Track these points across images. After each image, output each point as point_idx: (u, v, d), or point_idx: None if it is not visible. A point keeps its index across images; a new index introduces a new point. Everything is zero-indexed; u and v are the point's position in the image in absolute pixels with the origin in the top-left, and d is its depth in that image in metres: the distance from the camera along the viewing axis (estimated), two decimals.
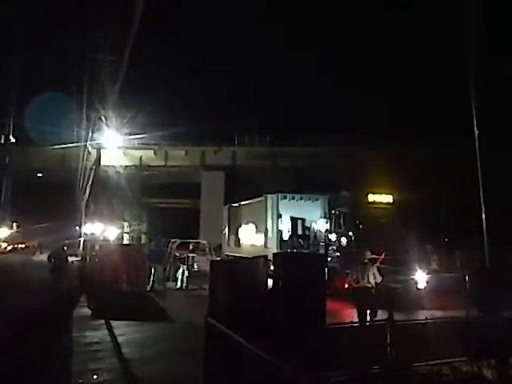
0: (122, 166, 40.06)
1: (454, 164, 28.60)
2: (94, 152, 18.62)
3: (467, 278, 9.59)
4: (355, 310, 9.27)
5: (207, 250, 19.99)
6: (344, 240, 13.88)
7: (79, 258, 17.88)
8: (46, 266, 13.08)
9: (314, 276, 6.37)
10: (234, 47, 78.56)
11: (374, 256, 8.98)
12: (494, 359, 6.39)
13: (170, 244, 17.86)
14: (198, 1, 63.93)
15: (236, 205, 21.46)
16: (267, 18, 66.92)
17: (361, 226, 13.58)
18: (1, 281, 15.19)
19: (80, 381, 6.18)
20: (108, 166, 32.09)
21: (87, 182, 20.63)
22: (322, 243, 15.37)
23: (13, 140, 44.09)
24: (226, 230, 22.05)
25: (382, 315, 8.88)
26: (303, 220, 16.57)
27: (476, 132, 10.95)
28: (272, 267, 6.48)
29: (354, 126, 48.67)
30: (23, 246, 38.46)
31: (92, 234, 20.18)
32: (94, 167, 18.05)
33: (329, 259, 14.18)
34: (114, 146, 21.99)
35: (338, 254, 14.12)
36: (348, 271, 12.68)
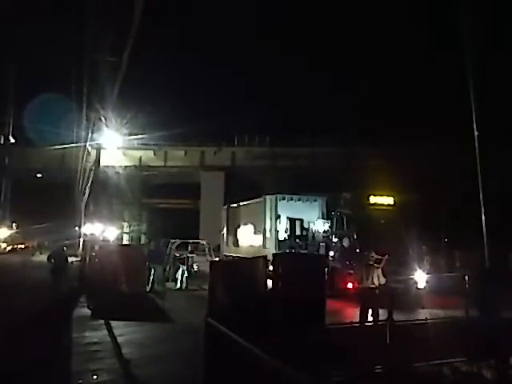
0: (121, 166, 40.10)
1: (453, 164, 28.64)
2: (93, 152, 18.61)
3: (467, 277, 9.62)
4: (359, 310, 9.31)
5: (207, 250, 20.00)
6: (346, 241, 13.98)
7: (79, 259, 17.86)
8: (45, 267, 13.09)
9: (313, 276, 6.37)
10: (233, 47, 78.62)
11: (378, 257, 9.06)
12: (493, 359, 6.39)
13: (170, 244, 17.86)
14: (198, 1, 63.98)
15: (235, 205, 21.54)
16: (266, 18, 67.03)
17: (363, 228, 13.67)
18: (0, 281, 15.18)
19: (80, 381, 6.17)
20: (108, 166, 32.09)
21: (87, 183, 20.63)
22: (322, 243, 15.47)
23: (12, 140, 44.11)
24: (225, 230, 22.13)
25: (383, 315, 8.94)
26: (301, 221, 16.73)
27: (476, 133, 10.96)
28: (271, 267, 6.49)
29: (354, 126, 48.67)
30: (23, 246, 38.46)
31: (92, 234, 20.16)
32: (93, 167, 18.03)
33: (330, 259, 14.30)
34: (114, 146, 22.02)
35: (340, 254, 14.21)
36: (351, 271, 12.79)
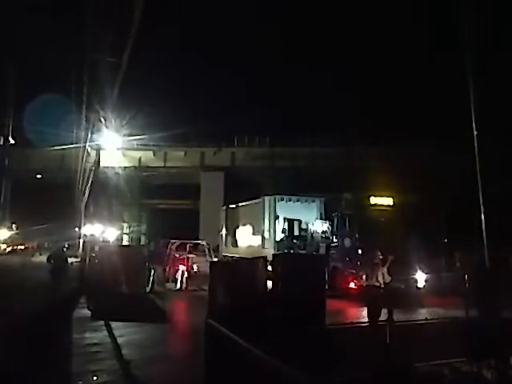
0: (121, 167, 40.06)
1: (453, 164, 28.65)
2: (93, 153, 18.60)
3: (466, 277, 9.64)
4: (365, 309, 9.38)
5: (207, 250, 19.99)
6: (348, 241, 14.06)
7: (79, 260, 17.84)
8: (45, 268, 13.09)
9: (313, 277, 6.38)
10: (233, 48, 78.68)
11: (383, 257, 9.21)
12: (493, 359, 6.39)
13: (170, 245, 17.86)
14: (199, 1, 63.99)
15: (233, 206, 21.67)
16: (266, 19, 67.05)
17: (365, 228, 13.75)
18: (0, 282, 15.17)
19: (80, 382, 6.17)
20: (107, 167, 32.06)
21: (86, 183, 20.61)
22: (322, 244, 15.55)
23: (12, 141, 44.10)
24: (224, 231, 22.21)
25: (384, 314, 8.98)
26: (300, 221, 16.86)
27: (475, 133, 10.96)
28: (269, 268, 6.50)
29: (354, 126, 48.69)
30: (22, 247, 38.42)
31: (91, 235, 20.16)
32: (93, 168, 18.03)
33: (331, 259, 14.38)
34: (114, 147, 21.99)
35: (342, 254, 14.28)
36: (353, 271, 12.88)
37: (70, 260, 14.20)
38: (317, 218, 16.80)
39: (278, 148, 43.25)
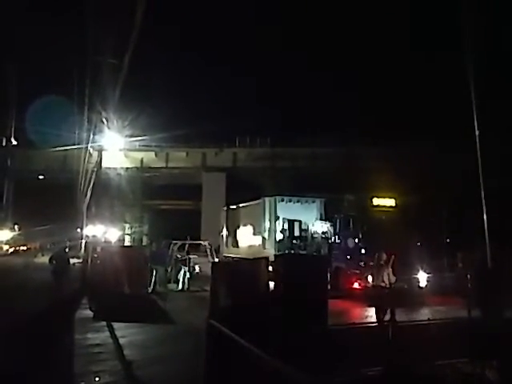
0: (123, 167, 40.13)
1: (453, 164, 28.59)
2: (95, 154, 18.64)
3: (469, 277, 9.64)
4: (368, 310, 9.47)
5: (208, 251, 20.00)
6: (351, 241, 14.10)
7: (81, 260, 17.87)
8: (47, 268, 13.08)
9: (315, 277, 6.38)
10: (234, 49, 78.77)
11: (387, 257, 9.33)
12: (495, 359, 6.38)
13: (172, 246, 17.88)
14: (199, 2, 64.05)
15: (234, 207, 21.81)
16: (266, 19, 67.06)
17: (368, 228, 13.80)
18: (3, 283, 15.21)
19: (82, 383, 6.19)
20: (109, 168, 32.15)
21: (88, 184, 20.65)
22: (323, 244, 15.58)
23: (14, 142, 44.24)
24: (224, 231, 22.28)
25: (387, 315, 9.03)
26: (300, 222, 16.95)
27: (477, 132, 10.93)
28: (270, 268, 6.50)
29: (354, 126, 48.65)
30: (25, 248, 38.47)
31: (93, 235, 20.21)
32: (95, 169, 18.06)
33: (333, 259, 14.42)
34: (116, 148, 22.04)
35: (345, 254, 14.31)
36: (356, 271, 12.93)
37: (72, 261, 14.19)
38: (317, 219, 16.94)
39: (279, 148, 43.27)
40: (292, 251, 15.68)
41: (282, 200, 17.52)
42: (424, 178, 28.52)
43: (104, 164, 18.08)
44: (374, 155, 35.98)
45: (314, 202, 17.69)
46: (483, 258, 10.09)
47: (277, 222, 16.99)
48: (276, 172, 41.62)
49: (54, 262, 12.72)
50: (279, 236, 16.82)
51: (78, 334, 8.84)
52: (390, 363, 5.80)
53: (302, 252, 15.53)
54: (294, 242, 16.45)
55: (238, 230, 20.68)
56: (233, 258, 19.43)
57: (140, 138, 33.00)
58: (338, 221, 15.30)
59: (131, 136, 25.81)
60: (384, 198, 14.78)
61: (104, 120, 15.91)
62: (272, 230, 17.13)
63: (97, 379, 6.27)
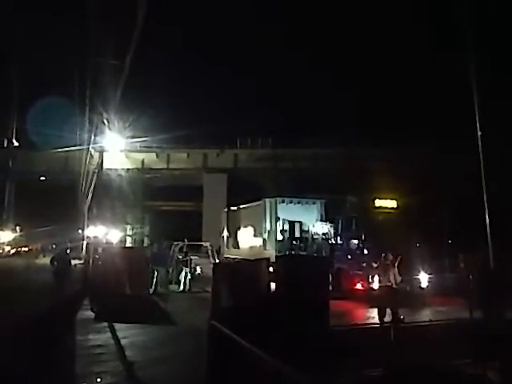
0: (124, 169, 40.19)
1: (454, 165, 28.57)
2: (96, 155, 18.67)
3: (471, 278, 9.65)
4: (370, 310, 9.53)
5: (210, 252, 20.00)
6: (353, 242, 14.12)
7: (82, 261, 17.90)
8: (49, 269, 13.11)
9: (317, 278, 6.37)
10: (236, 50, 78.86)
11: (393, 258, 9.42)
12: (497, 360, 6.36)
13: (173, 247, 17.87)
14: (201, 3, 64.15)
15: (235, 208, 21.91)
16: (267, 20, 67.10)
17: (370, 230, 13.82)
18: (4, 284, 15.22)
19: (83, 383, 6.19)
20: (110, 169, 32.20)
21: (90, 185, 20.68)
22: (324, 245, 15.60)
23: (16, 144, 44.31)
24: (225, 232, 22.34)
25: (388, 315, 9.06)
26: (300, 223, 17.02)
27: (479, 133, 10.93)
28: (271, 269, 6.51)
29: (356, 128, 48.65)
30: (26, 249, 38.48)
31: (95, 237, 20.23)
32: (96, 170, 18.09)
33: (335, 260, 14.43)
34: (117, 149, 22.12)
35: (348, 255, 14.32)
36: (359, 272, 12.95)
37: (73, 262, 14.22)
38: (317, 220, 17.03)
39: (281, 149, 43.29)
40: (292, 252, 15.72)
41: (283, 201, 17.62)
42: (425, 179, 28.51)
43: (105, 165, 18.13)
44: (375, 156, 35.99)
45: (314, 203, 17.82)
46: (486, 259, 10.10)
47: (277, 223, 17.06)
48: (277, 173, 41.64)
49: (56, 263, 12.75)
50: (280, 237, 16.89)
51: (79, 334, 8.84)
52: (391, 364, 5.79)
53: (302, 253, 15.58)
54: (295, 242, 16.51)
55: (238, 231, 20.75)
56: (233, 258, 19.50)
57: (141, 139, 33.09)
58: (340, 222, 15.33)
59: (132, 137, 25.90)
60: (386, 199, 14.82)
61: (105, 121, 15.95)
62: (272, 231, 17.21)
63: (98, 380, 6.27)
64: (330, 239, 15.52)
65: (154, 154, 45.05)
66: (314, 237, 16.29)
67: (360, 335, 6.71)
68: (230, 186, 43.22)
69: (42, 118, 37.51)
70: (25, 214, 39.90)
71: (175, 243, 18.14)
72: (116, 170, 36.65)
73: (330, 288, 10.06)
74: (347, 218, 15.01)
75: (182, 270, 16.27)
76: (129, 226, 44.25)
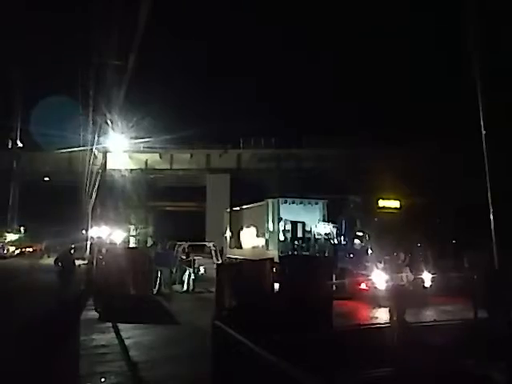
0: (127, 169, 40.27)
1: (457, 164, 28.46)
2: (100, 156, 18.71)
3: (475, 278, 9.59)
4: (373, 310, 9.52)
5: (213, 252, 20.01)
6: (358, 243, 14.11)
7: (86, 262, 17.94)
8: (53, 270, 13.14)
9: (320, 278, 6.36)
10: (239, 50, 78.81)
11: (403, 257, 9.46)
12: (502, 361, 6.32)
13: (177, 247, 17.89)
14: (205, 3, 64.26)
15: (237, 209, 21.96)
16: (270, 19, 67.06)
17: (375, 230, 13.82)
18: (9, 284, 15.31)
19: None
20: (114, 169, 32.28)
21: (93, 186, 20.75)
22: (327, 245, 15.59)
23: (20, 144, 44.56)
24: (228, 233, 22.39)
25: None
26: (303, 223, 17.02)
27: (483, 132, 10.88)
28: (274, 269, 6.50)
29: (360, 128, 48.54)
30: (31, 249, 38.69)
31: (98, 237, 20.27)
32: (100, 171, 18.13)
33: (339, 261, 14.42)
34: (120, 149, 22.10)
35: (352, 255, 14.32)
36: (363, 272, 12.94)
37: (77, 262, 14.25)
38: (320, 220, 17.06)
39: (284, 150, 43.27)
40: (295, 252, 15.74)
41: (285, 202, 17.66)
42: (428, 179, 28.41)
43: (109, 166, 18.12)
44: (378, 156, 35.88)
45: (316, 203, 17.85)
46: (490, 259, 10.04)
47: (280, 224, 17.09)
48: (281, 173, 41.61)
49: (60, 263, 12.77)
50: (282, 237, 16.92)
51: (83, 334, 8.86)
52: (396, 364, 5.76)
53: (304, 253, 15.59)
54: (297, 243, 16.52)
55: (241, 232, 20.81)
56: (236, 259, 19.54)
57: (144, 139, 33.11)
58: (343, 222, 15.31)
59: (136, 138, 25.89)
60: (389, 199, 14.80)
61: (109, 122, 15.96)
62: (275, 232, 17.24)
63: (102, 380, 6.28)
64: (333, 239, 15.51)
65: (158, 155, 45.14)
66: (317, 237, 16.31)
67: (364, 335, 6.68)
68: (233, 187, 43.25)
69: (46, 119, 37.70)
70: (29, 215, 40.11)
71: (179, 243, 18.16)
72: (119, 170, 36.74)
73: (334, 288, 10.06)
74: (351, 217, 15.00)
75: (185, 271, 16.29)
76: (132, 227, 44.35)
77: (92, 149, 19.37)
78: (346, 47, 57.03)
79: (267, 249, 17.49)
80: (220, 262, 18.19)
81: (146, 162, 45.68)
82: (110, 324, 9.76)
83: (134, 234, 44.17)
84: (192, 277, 16.08)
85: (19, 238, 39.60)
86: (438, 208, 23.58)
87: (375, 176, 25.11)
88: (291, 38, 64.38)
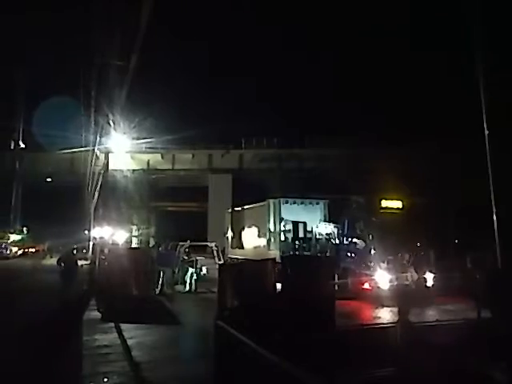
0: (129, 169, 40.33)
1: (458, 164, 28.41)
2: (102, 156, 18.75)
3: (478, 277, 9.59)
4: (375, 310, 9.51)
5: (215, 253, 20.02)
6: (360, 243, 14.11)
7: (88, 262, 17.98)
8: (55, 270, 13.18)
9: (322, 278, 6.35)
10: (240, 50, 78.86)
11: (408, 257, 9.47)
12: (505, 361, 6.31)
13: (179, 247, 17.90)
14: (207, 4, 64.26)
15: (239, 209, 22.03)
16: (271, 19, 67.04)
17: (378, 230, 13.81)
18: (12, 284, 15.35)
19: None
20: (116, 170, 32.33)
21: (96, 186, 20.77)
22: (328, 245, 15.60)
23: (22, 145, 44.68)
24: (229, 233, 22.41)
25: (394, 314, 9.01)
26: (304, 223, 17.08)
27: (486, 132, 10.86)
28: (275, 269, 6.50)
29: (360, 128, 48.46)
30: (33, 250, 38.80)
31: (101, 237, 20.29)
32: (102, 171, 18.16)
33: (341, 261, 14.43)
34: (122, 150, 22.17)
35: (355, 255, 14.32)
36: (366, 272, 12.95)
37: (79, 262, 14.29)
38: (321, 220, 17.12)
39: (286, 150, 43.25)
40: (296, 252, 15.78)
41: (287, 202, 17.72)
42: (431, 179, 28.37)
43: (111, 166, 18.19)
44: (380, 156, 35.84)
45: (317, 203, 17.93)
46: (493, 259, 10.03)
47: (281, 224, 17.16)
48: (283, 173, 41.60)
49: (62, 263, 12.80)
50: (283, 237, 16.97)
51: (86, 335, 8.88)
52: (398, 363, 5.76)
53: (306, 253, 15.62)
54: (298, 243, 16.56)
55: (242, 232, 20.86)
56: (238, 259, 19.55)
57: (146, 140, 33.15)
58: (345, 222, 15.31)
59: (137, 138, 25.96)
60: (392, 199, 14.80)
61: (111, 122, 16.00)
62: (276, 232, 17.30)
63: (105, 380, 6.29)
64: (334, 239, 15.51)
65: (160, 155, 45.19)
66: (318, 237, 16.33)
67: (367, 335, 6.67)
68: (234, 187, 43.25)
69: (48, 120, 37.76)
70: (31, 215, 40.23)
71: (181, 244, 18.18)
72: (121, 170, 36.78)
73: (336, 288, 10.06)
74: (353, 217, 15.01)
75: (187, 271, 16.30)
76: (134, 227, 44.43)
77: (94, 149, 19.42)
78: (346, 47, 56.90)
79: (269, 249, 17.54)
80: (222, 262, 18.19)
81: (148, 163, 45.74)
82: (112, 324, 9.78)
83: (136, 234, 44.25)
84: (194, 277, 16.10)
85: (22, 238, 39.68)
86: (439, 208, 23.55)
87: (377, 176, 25.11)
88: (292, 38, 64.48)
